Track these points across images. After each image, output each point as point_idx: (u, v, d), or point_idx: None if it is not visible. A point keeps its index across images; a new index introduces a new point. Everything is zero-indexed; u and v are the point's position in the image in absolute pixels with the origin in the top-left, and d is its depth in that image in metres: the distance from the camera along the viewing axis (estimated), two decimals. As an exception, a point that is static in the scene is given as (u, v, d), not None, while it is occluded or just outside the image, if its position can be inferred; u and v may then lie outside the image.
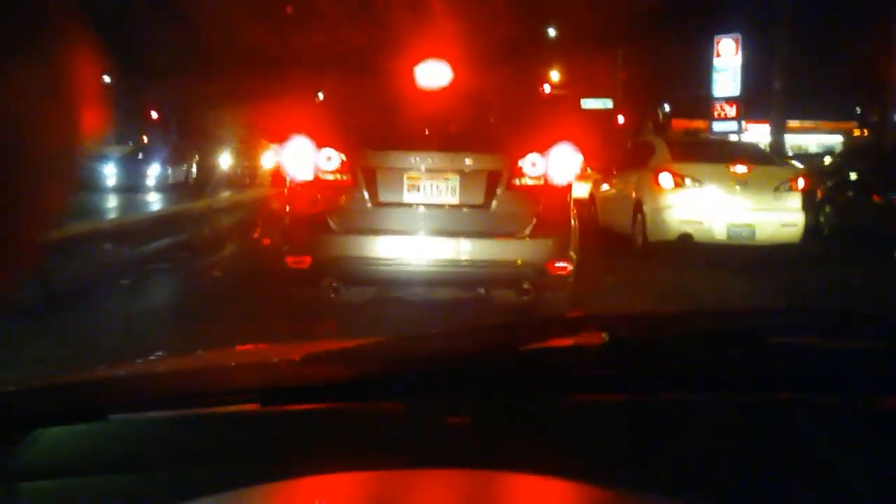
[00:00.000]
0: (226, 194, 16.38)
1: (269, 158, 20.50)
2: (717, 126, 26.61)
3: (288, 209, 4.82)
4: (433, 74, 4.88)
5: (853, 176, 13.15)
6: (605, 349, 1.21)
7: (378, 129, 4.86)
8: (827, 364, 1.21)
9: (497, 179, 4.65)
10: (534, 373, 1.17)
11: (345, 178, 4.64)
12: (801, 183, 9.15)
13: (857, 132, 37.03)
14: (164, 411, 1.11)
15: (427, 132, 4.92)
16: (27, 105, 0.53)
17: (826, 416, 1.06)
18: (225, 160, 24.71)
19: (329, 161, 4.64)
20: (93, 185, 18.15)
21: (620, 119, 33.55)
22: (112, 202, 15.70)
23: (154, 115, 33.28)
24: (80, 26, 0.57)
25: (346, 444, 1.01)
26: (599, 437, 1.02)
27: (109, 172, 20.25)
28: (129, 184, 20.42)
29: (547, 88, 32.48)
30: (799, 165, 10.15)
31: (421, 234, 4.64)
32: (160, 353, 1.65)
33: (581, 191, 9.24)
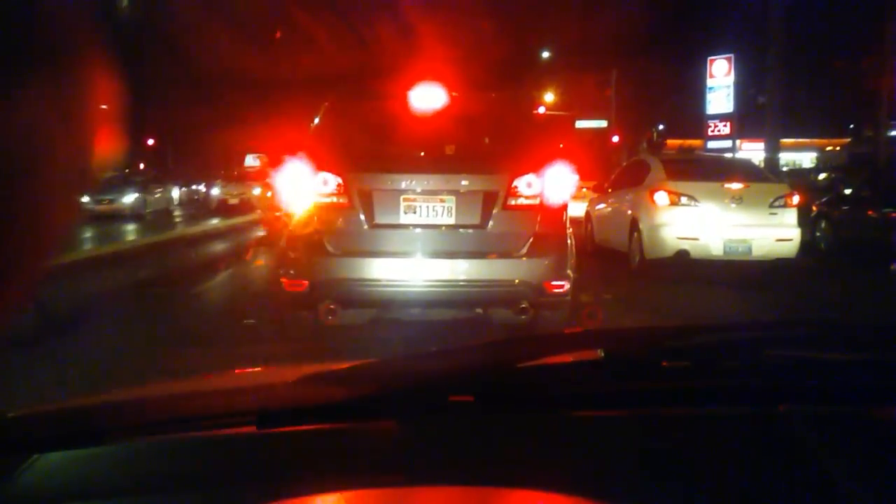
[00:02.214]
0: (221, 219, 16.38)
1: (265, 183, 20.54)
2: (712, 144, 26.77)
3: (284, 233, 4.82)
4: (428, 97, 4.91)
5: (847, 191, 13.21)
6: (602, 365, 1.22)
7: (374, 153, 4.89)
8: (824, 376, 1.21)
9: (493, 200, 4.67)
10: (531, 390, 1.17)
11: (341, 200, 4.65)
12: (795, 199, 9.20)
13: (829, 148, 37.65)
14: (160, 435, 1.11)
15: (422, 154, 4.95)
16: (34, 132, 0.53)
17: (825, 427, 1.06)
18: (221, 185, 24.70)
19: (325, 184, 4.65)
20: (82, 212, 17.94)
21: (615, 138, 33.75)
22: (100, 228, 15.63)
23: (151, 141, 33.46)
24: (90, 54, 0.58)
25: (343, 464, 1.01)
26: (598, 453, 1.02)
27: (98, 198, 19.96)
28: (117, 209, 20.32)
29: (541, 109, 32.71)
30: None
31: (418, 255, 4.64)
32: (156, 378, 1.65)
33: (577, 210, 9.27)
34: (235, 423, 1.11)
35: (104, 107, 0.60)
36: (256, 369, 1.72)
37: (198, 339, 5.08)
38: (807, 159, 40.10)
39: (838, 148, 36.90)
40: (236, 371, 1.68)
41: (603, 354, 1.20)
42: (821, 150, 39.24)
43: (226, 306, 6.93)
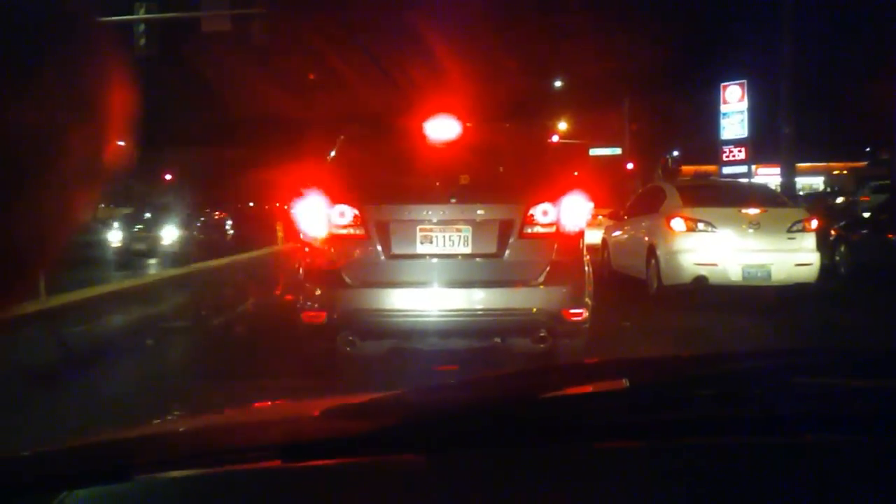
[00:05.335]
0: (241, 253, 16.47)
1: (283, 216, 20.58)
2: (727, 170, 26.68)
3: (302, 265, 4.85)
4: (443, 129, 4.94)
5: (866, 215, 13.11)
6: (625, 395, 1.21)
7: (390, 184, 4.92)
8: (853, 403, 1.19)
9: (509, 229, 4.68)
10: (554, 421, 1.17)
11: (358, 232, 4.68)
12: (813, 223, 9.13)
13: (836, 171, 37.59)
14: (186, 470, 1.11)
15: (438, 185, 4.97)
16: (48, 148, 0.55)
17: (850, 456, 1.05)
18: (238, 219, 24.81)
19: (342, 216, 4.68)
20: (98, 248, 17.91)
21: (629, 165, 33.76)
22: (119, 264, 15.68)
23: (168, 177, 33.83)
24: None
25: (369, 498, 1.01)
26: (623, 485, 1.01)
27: (113, 235, 19.77)
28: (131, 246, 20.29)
29: (555, 138, 32.82)
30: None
31: (435, 285, 4.65)
32: (181, 412, 1.65)
33: (593, 237, 9.26)
34: (260, 458, 1.11)
35: (121, 143, 0.62)
36: (278, 402, 1.73)
37: (218, 372, 5.09)
38: (821, 183, 39.98)
39: (845, 171, 36.87)
40: (257, 405, 1.68)
41: (627, 384, 1.20)
42: (829, 173, 39.17)
43: (245, 339, 6.95)
